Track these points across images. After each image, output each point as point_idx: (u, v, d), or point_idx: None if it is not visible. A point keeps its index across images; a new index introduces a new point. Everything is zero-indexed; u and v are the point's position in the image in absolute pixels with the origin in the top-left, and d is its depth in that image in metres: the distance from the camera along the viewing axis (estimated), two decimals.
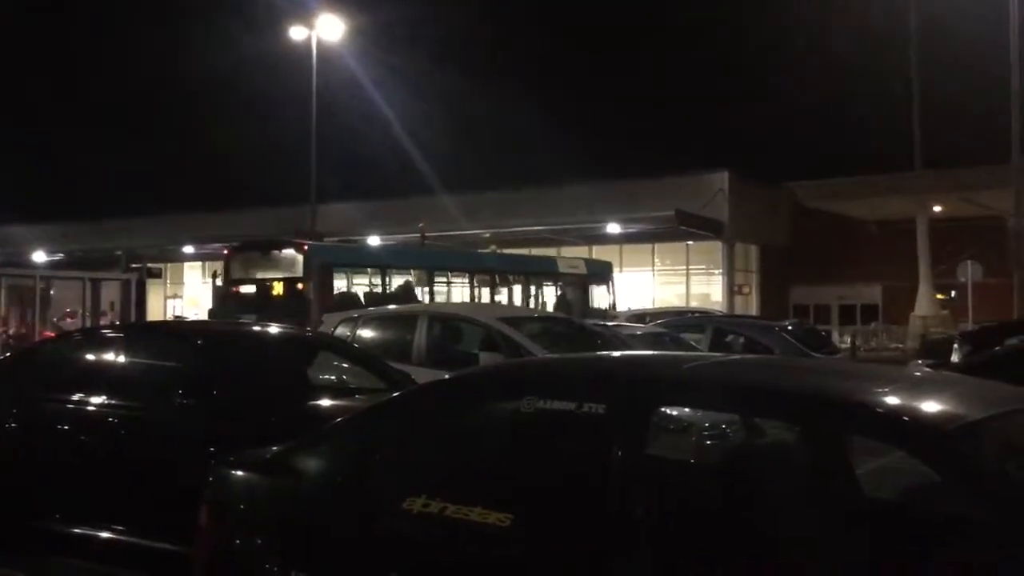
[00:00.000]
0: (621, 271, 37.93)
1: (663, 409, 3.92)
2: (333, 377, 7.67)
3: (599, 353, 4.24)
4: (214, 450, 4.45)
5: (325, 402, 6.14)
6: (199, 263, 44.62)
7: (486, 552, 2.99)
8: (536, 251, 38.76)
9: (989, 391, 3.17)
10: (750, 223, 35.71)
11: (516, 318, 10.35)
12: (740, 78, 48.56)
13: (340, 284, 22.60)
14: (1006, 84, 23.43)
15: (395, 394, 4.24)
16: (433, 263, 26.86)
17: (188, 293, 46.21)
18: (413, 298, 22.97)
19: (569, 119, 49.46)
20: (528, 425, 3.22)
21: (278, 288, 21.22)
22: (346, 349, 8.20)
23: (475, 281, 28.15)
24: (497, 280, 28.92)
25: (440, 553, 3.10)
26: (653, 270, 38.52)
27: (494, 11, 55.66)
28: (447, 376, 4.11)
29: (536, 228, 34.70)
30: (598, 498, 2.85)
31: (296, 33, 30.02)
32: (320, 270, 21.80)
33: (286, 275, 21.42)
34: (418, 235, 32.51)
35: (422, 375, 7.05)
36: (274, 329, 8.13)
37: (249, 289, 21.51)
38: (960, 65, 32.57)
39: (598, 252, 37.70)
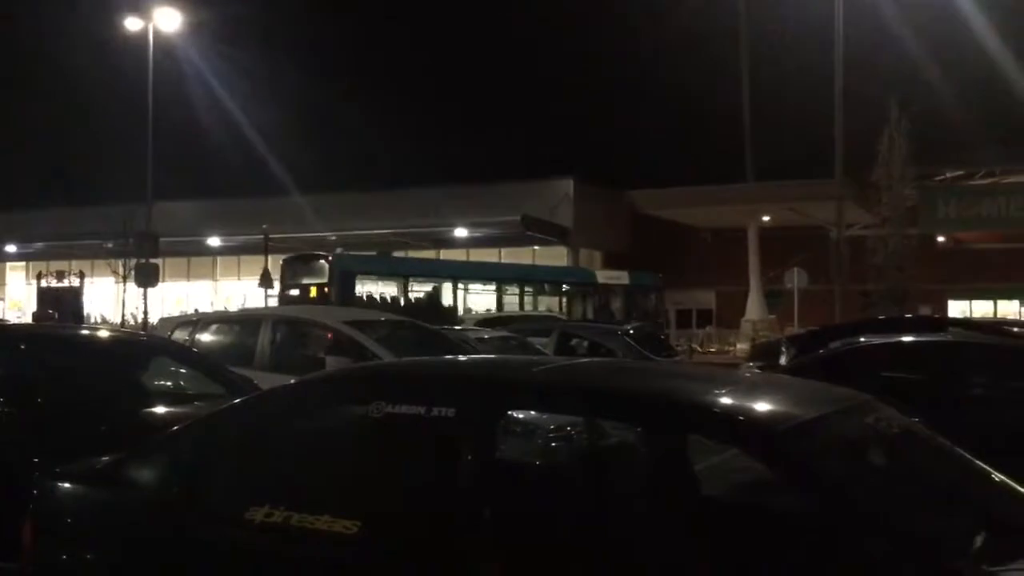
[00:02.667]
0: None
1: (510, 412, 3.96)
2: (169, 383, 7.34)
3: (449, 357, 4.22)
4: (39, 461, 4.17)
5: (160, 409, 5.87)
6: (23, 263, 42.01)
7: (332, 560, 2.93)
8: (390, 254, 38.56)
9: (816, 392, 3.35)
10: (594, 229, 36.58)
11: (363, 321, 10.19)
12: (586, 87, 49.70)
13: (363, 290, 25.54)
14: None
15: (236, 400, 4.08)
16: (459, 273, 29.23)
17: (11, 295, 43.43)
18: (439, 306, 26.39)
19: (418, 123, 49.41)
20: (376, 430, 3.17)
21: (312, 292, 24.64)
22: (183, 353, 7.86)
23: (503, 291, 30.04)
24: (526, 291, 30.24)
25: (285, 564, 3.01)
26: None
27: (346, 10, 54.93)
28: (291, 381, 3.99)
29: (383, 231, 34.44)
30: (448, 502, 2.83)
31: (132, 24, 28.66)
32: (342, 277, 25.21)
33: (317, 281, 24.98)
34: (260, 236, 31.68)
35: (265, 380, 6.84)
36: (104, 333, 7.72)
37: (295, 292, 25.11)
38: (792, 82, 34.38)
39: (445, 255, 37.76)
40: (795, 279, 23.81)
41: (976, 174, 34.92)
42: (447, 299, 28.05)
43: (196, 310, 28.50)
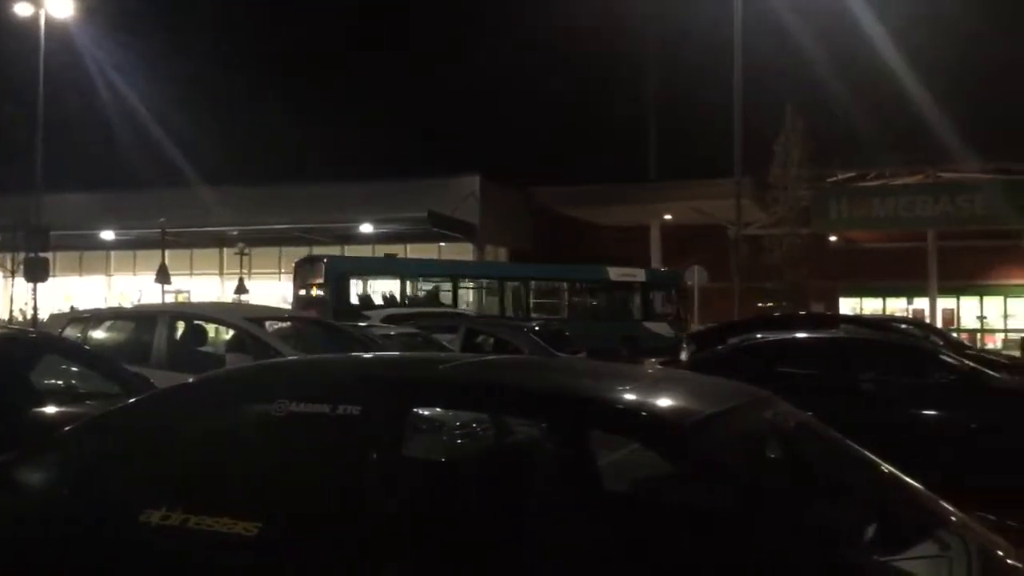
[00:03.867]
0: None
1: (417, 410, 3.94)
2: (60, 382, 7.07)
3: (354, 354, 4.17)
4: None
5: (51, 409, 5.64)
6: None
7: (232, 563, 2.86)
8: (289, 250, 37.88)
9: (717, 388, 3.42)
10: (500, 226, 36.68)
11: (265, 318, 10.01)
12: (493, 85, 49.76)
13: (358, 289, 26.60)
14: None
15: (131, 400, 3.95)
16: (460, 272, 29.48)
17: None
18: (437, 304, 27.40)
19: (324, 117, 48.67)
20: (279, 429, 3.11)
21: (314, 292, 26.32)
22: (74, 351, 7.58)
23: (505, 289, 29.78)
24: (529, 288, 29.97)
25: (182, 567, 2.93)
26: None
27: (250, 2, 53.68)
28: (190, 379, 3.88)
29: (286, 226, 33.84)
30: (352, 501, 2.80)
31: (22, 10, 27.41)
32: (336, 278, 26.46)
33: (316, 281, 26.33)
34: (157, 230, 30.81)
35: (162, 379, 6.64)
36: None
37: (302, 292, 26.60)
38: (695, 82, 35.07)
39: (351, 251, 37.32)
40: (695, 276, 24.34)
41: (867, 176, 36.26)
42: (446, 298, 28.65)
43: (72, 307, 27.50)
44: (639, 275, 31.21)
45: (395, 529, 2.77)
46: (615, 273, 31.31)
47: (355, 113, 47.60)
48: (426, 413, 5.65)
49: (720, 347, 11.11)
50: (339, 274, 27.16)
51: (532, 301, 30.03)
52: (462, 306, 28.50)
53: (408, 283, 28.49)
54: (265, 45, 49.20)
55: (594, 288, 31.34)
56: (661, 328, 29.30)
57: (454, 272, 29.47)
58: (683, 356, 15.20)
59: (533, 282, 30.49)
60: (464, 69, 48.99)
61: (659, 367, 10.12)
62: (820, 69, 32.22)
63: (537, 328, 14.72)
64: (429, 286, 29.11)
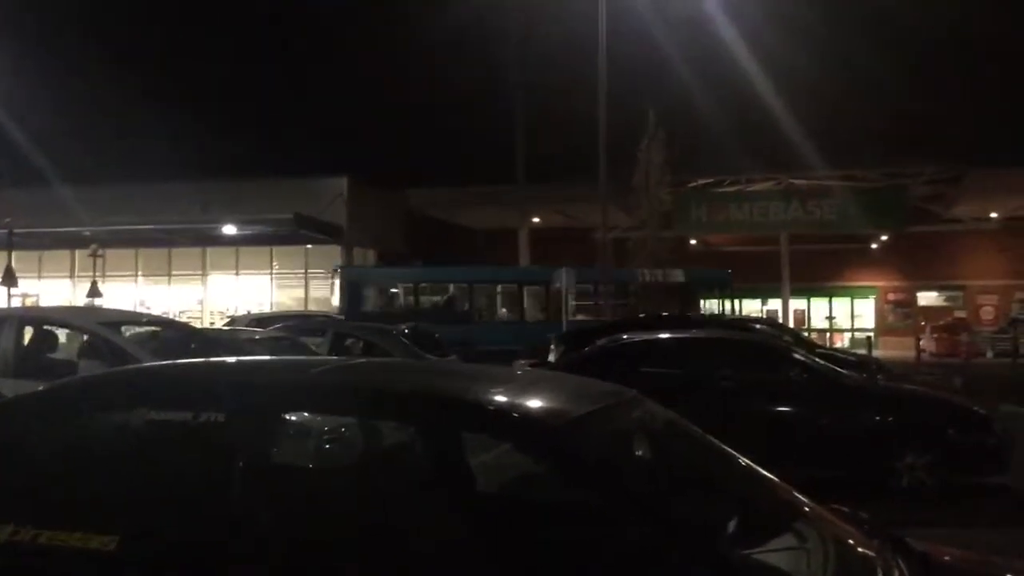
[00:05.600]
0: (238, 274, 36.81)
1: (285, 415, 3.83)
2: None
3: (217, 359, 4.02)
4: None
5: None
6: None
7: None
8: (146, 252, 36.42)
9: (586, 388, 3.47)
10: (369, 228, 36.26)
11: (121, 323, 9.57)
12: (362, 86, 49.24)
13: (372, 297, 28.18)
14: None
15: None
16: (475, 277, 29.36)
17: None
18: (457, 310, 28.68)
19: (186, 115, 47.04)
20: (137, 439, 2.97)
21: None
22: None
23: (525, 293, 29.40)
24: (550, 292, 28.48)
25: None
26: (271, 273, 37.78)
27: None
28: (40, 388, 3.67)
29: (145, 227, 32.50)
30: (218, 511, 2.70)
31: None
32: (349, 287, 28.55)
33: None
34: (3, 231, 29.06)
35: (10, 387, 6.27)
36: None
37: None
38: (564, 87, 35.52)
39: (214, 254, 36.22)
40: (563, 279, 24.67)
41: (724, 181, 37.65)
42: (463, 304, 29.22)
43: None
44: (676, 275, 30.14)
45: (263, 539, 2.68)
46: (649, 275, 30.40)
47: (220, 112, 46.24)
48: (293, 418, 5.54)
49: (588, 348, 11.30)
50: (352, 284, 28.73)
51: (551, 305, 29.18)
52: (478, 311, 29.05)
53: (422, 290, 29.53)
54: (125, 41, 47.23)
55: (623, 290, 30.00)
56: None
57: (470, 277, 29.40)
58: (552, 357, 15.40)
59: (547, 285, 30.00)
60: (333, 71, 48.31)
61: (529, 368, 10.21)
62: (681, 76, 33.25)
63: (406, 330, 14.61)
64: (442, 292, 29.70)
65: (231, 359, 3.66)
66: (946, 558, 3.30)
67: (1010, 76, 36.74)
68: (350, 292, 28.64)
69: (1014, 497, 9.11)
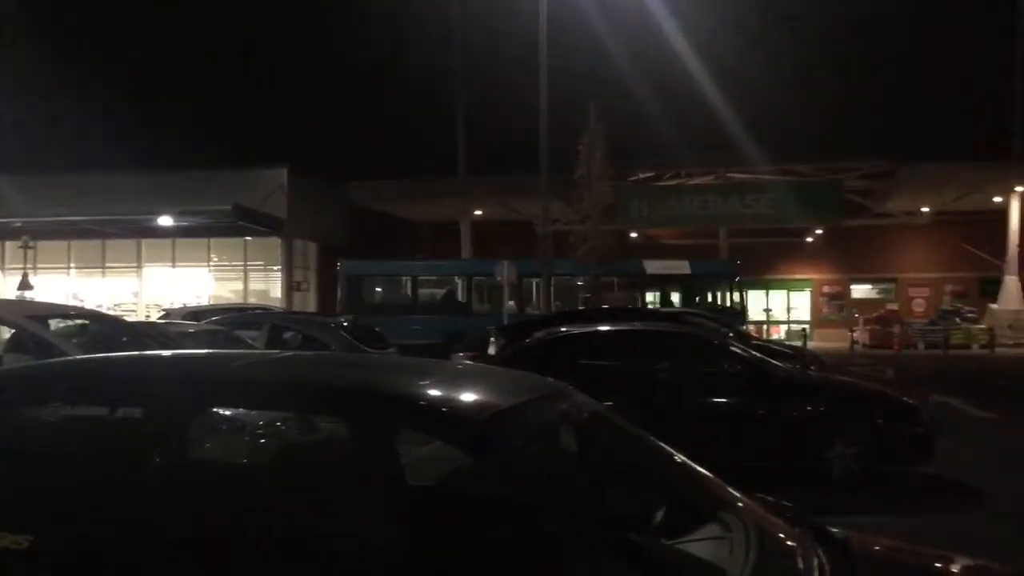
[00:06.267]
0: (175, 266, 36.16)
1: (214, 410, 3.77)
2: None
3: (136, 353, 3.93)
4: None
5: None
6: None
7: None
8: (79, 244, 35.58)
9: (514, 381, 3.47)
10: (309, 220, 35.88)
11: (49, 316, 9.34)
12: (304, 78, 48.67)
13: (370, 290, 28.42)
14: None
15: None
16: (473, 270, 29.10)
17: None
18: (454, 302, 29.11)
19: (120, 104, 45.96)
20: (53, 435, 2.90)
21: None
22: None
23: (523, 285, 29.07)
24: (550, 284, 27.99)
25: None
26: (209, 265, 37.19)
27: None
28: None
29: (78, 218, 31.72)
30: (135, 509, 2.65)
31: None
32: (347, 280, 29.26)
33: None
34: None
35: None
36: None
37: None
38: (506, 79, 35.55)
39: (149, 246, 35.55)
40: (504, 272, 24.69)
41: (665, 175, 38.02)
42: (461, 296, 29.38)
43: None
44: (681, 267, 30.30)
45: (182, 537, 2.64)
46: (656, 265, 30.63)
47: (157, 102, 45.30)
48: (227, 413, 5.45)
49: (527, 340, 11.32)
50: (350, 277, 29.07)
51: (555, 298, 29.09)
52: (479, 304, 28.98)
53: (417, 283, 29.64)
54: (59, 28, 46.00)
55: (632, 282, 30.69)
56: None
57: (469, 271, 29.39)
58: (491, 350, 15.41)
59: (553, 278, 30.09)
60: (273, 61, 47.68)
61: (464, 362, 10.20)
62: (622, 70, 33.51)
63: (346, 323, 14.49)
64: (442, 286, 29.91)
65: (151, 353, 3.58)
66: (866, 545, 3.37)
67: (941, 73, 37.70)
68: (348, 286, 29.02)
69: (941, 484, 9.36)
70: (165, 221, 31.06)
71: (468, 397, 2.94)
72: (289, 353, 3.68)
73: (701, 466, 3.48)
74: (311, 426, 4.01)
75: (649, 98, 33.92)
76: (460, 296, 29.83)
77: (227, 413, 5.36)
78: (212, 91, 48.36)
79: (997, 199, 35.21)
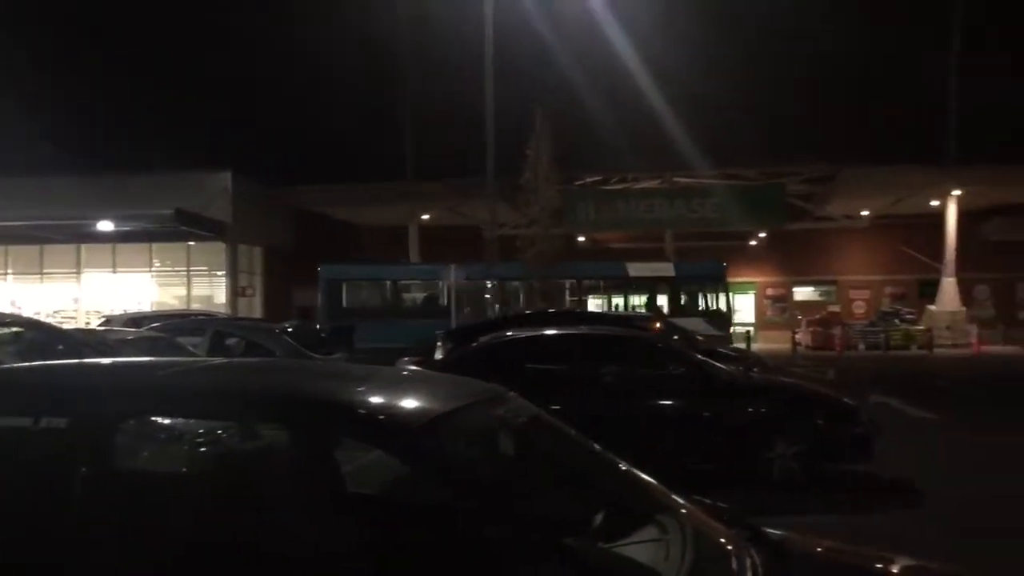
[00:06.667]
0: (115, 272, 35.49)
1: (150, 418, 3.69)
2: None
3: (62, 362, 3.84)
4: None
5: None
6: None
7: None
8: (16, 249, 34.77)
9: (452, 386, 3.45)
10: (254, 225, 35.48)
11: None
12: (249, 81, 48.06)
13: (352, 295, 27.78)
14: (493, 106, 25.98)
15: None
16: (452, 274, 27.85)
17: None
18: (436, 306, 28.65)
19: (58, 106, 44.93)
20: None
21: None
22: None
23: (505, 290, 29.28)
24: (528, 288, 28.70)
25: None
26: (151, 271, 36.57)
27: None
28: None
29: (14, 223, 30.93)
30: (58, 521, 2.58)
31: None
32: (327, 285, 29.17)
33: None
34: None
35: None
36: None
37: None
38: (453, 84, 35.49)
39: (89, 251, 34.86)
40: (452, 276, 24.67)
41: (612, 179, 38.27)
42: (443, 300, 28.86)
43: None
44: (665, 269, 30.30)
45: (108, 549, 2.57)
46: (639, 268, 30.54)
47: (98, 104, 44.40)
48: (166, 421, 5.34)
49: (473, 345, 11.29)
50: (330, 282, 28.81)
51: (538, 301, 29.27)
52: (463, 308, 28.69)
53: (399, 287, 29.46)
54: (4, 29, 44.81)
55: (615, 284, 30.64)
56: (696, 325, 27.79)
57: (448, 275, 28.77)
58: (437, 355, 15.33)
59: (537, 282, 29.68)
60: (218, 64, 47.04)
61: (407, 367, 10.15)
62: (569, 74, 33.69)
63: (291, 329, 14.33)
64: (424, 289, 29.70)
65: (76, 361, 3.50)
66: (802, 546, 3.41)
67: (880, 79, 38.49)
68: (328, 290, 28.93)
69: (881, 484, 9.53)
70: (105, 226, 30.44)
71: (402, 404, 2.91)
72: (219, 361, 3.61)
73: (646, 469, 3.50)
74: (253, 434, 3.95)
75: (596, 103, 34.17)
76: (442, 300, 29.65)
77: (165, 422, 5.27)
78: (154, 94, 47.58)
79: (934, 202, 36.01)
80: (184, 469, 4.36)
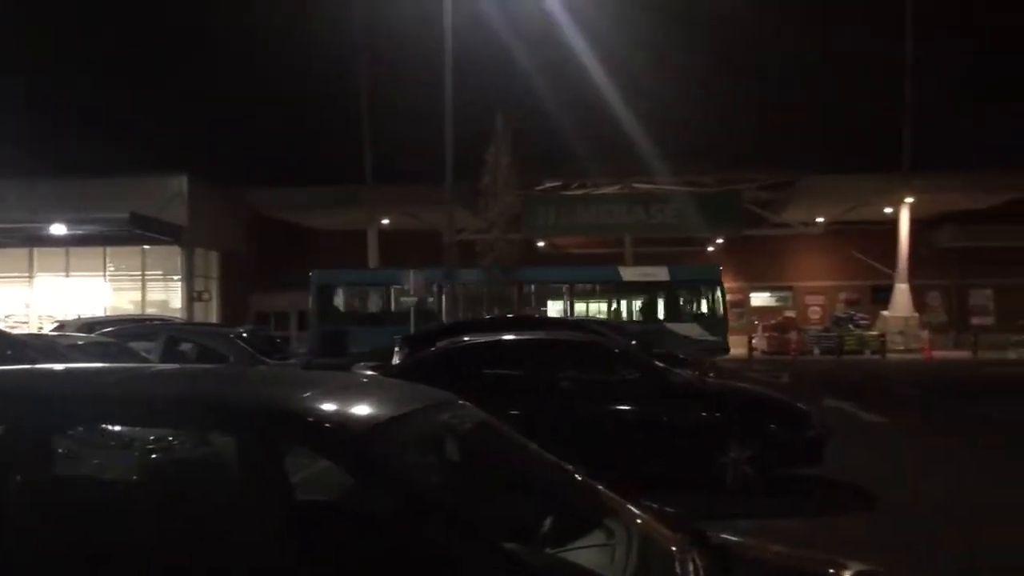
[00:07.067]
0: (68, 276, 34.92)
1: (91, 426, 3.63)
2: None
3: (2, 368, 3.77)
4: None
5: None
6: None
7: None
8: None
9: (399, 392, 3.44)
10: (210, 229, 35.11)
11: None
12: (204, 84, 47.55)
13: (341, 299, 27.59)
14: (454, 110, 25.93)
15: None
16: (450, 278, 27.56)
17: None
18: (428, 311, 27.67)
19: (8, 106, 44.11)
20: None
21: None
22: None
23: (506, 292, 28.85)
24: (525, 292, 28.96)
25: None
26: (105, 275, 36.03)
27: None
28: None
29: None
30: None
31: None
32: (319, 291, 29.34)
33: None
34: None
35: None
36: None
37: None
38: (413, 90, 35.34)
39: (42, 254, 34.26)
40: (411, 280, 24.58)
41: (572, 185, 38.45)
42: (436, 305, 28.84)
43: None
44: (659, 274, 29.90)
45: (43, 558, 2.54)
46: (633, 272, 30.40)
47: (50, 105, 43.63)
48: (117, 428, 5.27)
49: (430, 350, 11.26)
50: (322, 287, 28.83)
51: (536, 303, 29.91)
52: (458, 312, 28.27)
53: (389, 292, 29.02)
54: None
55: (608, 289, 30.54)
56: (691, 330, 28.14)
57: (443, 278, 28.48)
58: (395, 360, 15.28)
59: (534, 285, 30.15)
60: (173, 66, 46.50)
61: (361, 373, 10.09)
62: (531, 80, 33.78)
63: (245, 334, 14.18)
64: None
65: (13, 368, 3.44)
66: (745, 550, 3.45)
67: (836, 89, 39.07)
68: (320, 296, 28.95)
69: (835, 487, 9.65)
70: (58, 229, 29.94)
71: (346, 410, 2.90)
72: (164, 367, 3.58)
73: (603, 473, 3.52)
74: (204, 442, 3.91)
75: (557, 110, 34.28)
76: (436, 306, 29.59)
77: (116, 429, 5.20)
78: (110, 96, 46.92)
79: (888, 210, 36.63)
80: (126, 477, 4.31)
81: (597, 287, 31.29)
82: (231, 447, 3.40)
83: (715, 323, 28.82)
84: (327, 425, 2.72)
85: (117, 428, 5.31)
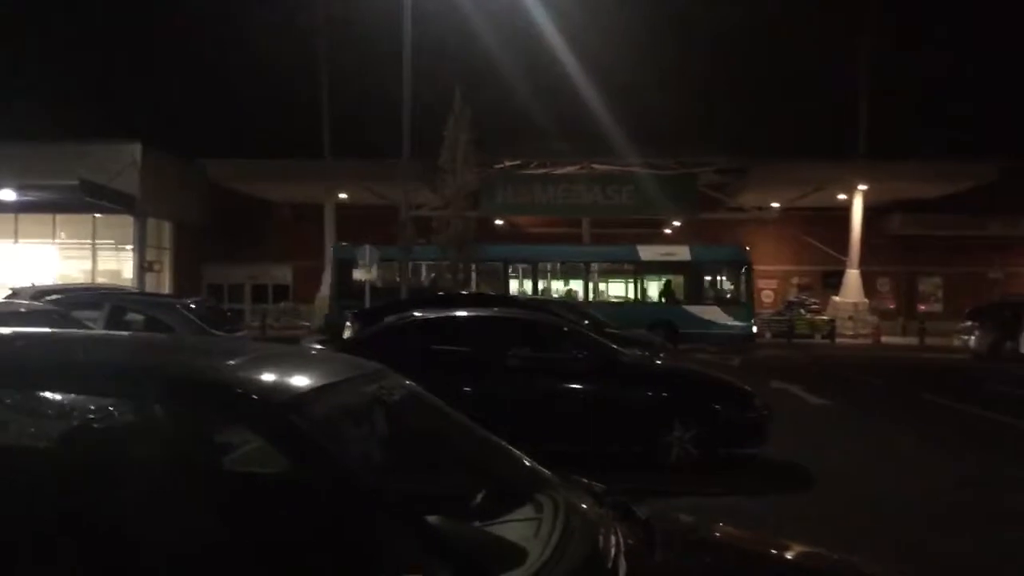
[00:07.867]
0: (16, 242, 34.24)
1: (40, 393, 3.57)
2: None
3: None
4: None
5: None
6: None
7: None
8: None
9: (326, 363, 3.41)
10: (164, 198, 34.57)
11: None
12: (163, 52, 46.69)
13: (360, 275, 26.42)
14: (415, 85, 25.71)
15: None
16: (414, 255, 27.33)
17: None
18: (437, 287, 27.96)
19: None
20: None
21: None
22: None
23: (509, 271, 29.31)
24: (540, 270, 29.13)
25: None
26: (55, 243, 35.37)
27: None
28: None
29: None
30: None
31: None
32: (338, 264, 29.30)
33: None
34: None
35: None
36: None
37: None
38: (373, 63, 34.98)
39: None
40: (367, 256, 24.44)
41: (530, 164, 38.38)
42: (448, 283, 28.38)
43: None
44: (680, 253, 28.98)
45: None
46: (652, 252, 29.30)
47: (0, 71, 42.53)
48: (57, 397, 5.18)
49: (376, 325, 11.23)
50: (341, 261, 28.47)
51: (541, 282, 29.78)
52: (477, 288, 28.15)
53: (410, 268, 28.11)
54: None
55: (625, 269, 29.79)
56: (713, 314, 27.69)
57: (398, 254, 28.41)
58: (346, 335, 15.23)
59: (548, 264, 30.03)
60: (134, 36, 45.59)
61: (303, 346, 10.02)
62: (492, 58, 33.60)
63: (193, 305, 14.00)
64: (438, 271, 29.41)
65: None
66: (670, 523, 3.48)
67: (791, 76, 39.38)
68: (340, 270, 28.56)
69: (778, 467, 9.81)
70: (7, 195, 29.32)
71: (267, 379, 2.86)
72: (88, 333, 3.51)
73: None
74: (138, 410, 3.85)
75: (518, 88, 34.18)
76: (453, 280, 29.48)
77: (56, 398, 5.11)
78: (64, 62, 45.88)
79: (841, 196, 37.06)
80: (47, 445, 4.24)
81: (620, 266, 30.08)
82: (152, 417, 3.36)
83: (740, 308, 28.09)
84: (247, 393, 2.68)
85: (56, 397, 5.24)
